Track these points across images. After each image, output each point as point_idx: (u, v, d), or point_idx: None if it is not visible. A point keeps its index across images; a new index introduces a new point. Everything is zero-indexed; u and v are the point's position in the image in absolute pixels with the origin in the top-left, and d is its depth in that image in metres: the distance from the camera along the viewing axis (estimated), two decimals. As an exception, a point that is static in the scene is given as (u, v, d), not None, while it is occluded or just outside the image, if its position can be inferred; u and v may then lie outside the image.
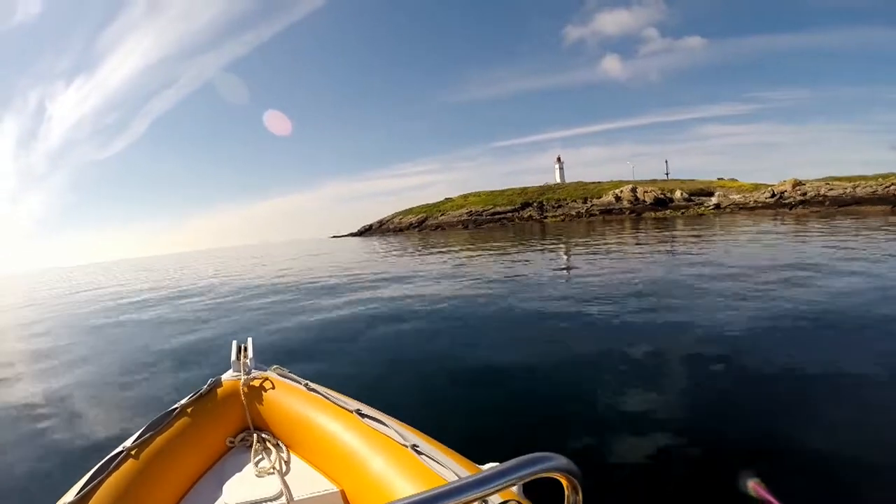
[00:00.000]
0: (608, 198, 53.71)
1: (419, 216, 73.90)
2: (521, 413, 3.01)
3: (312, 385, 1.73)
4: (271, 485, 1.45)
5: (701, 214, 43.28)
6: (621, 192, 53.00)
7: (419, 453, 1.24)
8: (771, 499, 1.29)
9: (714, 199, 49.06)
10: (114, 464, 1.33)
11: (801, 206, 36.08)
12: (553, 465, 0.60)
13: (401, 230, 71.06)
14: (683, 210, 48.98)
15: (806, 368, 3.43)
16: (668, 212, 48.72)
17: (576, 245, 18.64)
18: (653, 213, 48.33)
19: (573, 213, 54.59)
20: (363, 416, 1.48)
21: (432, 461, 1.20)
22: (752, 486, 1.36)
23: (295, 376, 1.83)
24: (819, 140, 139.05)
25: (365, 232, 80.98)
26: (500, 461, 1.05)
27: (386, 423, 1.42)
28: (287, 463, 1.58)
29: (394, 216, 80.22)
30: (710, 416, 2.88)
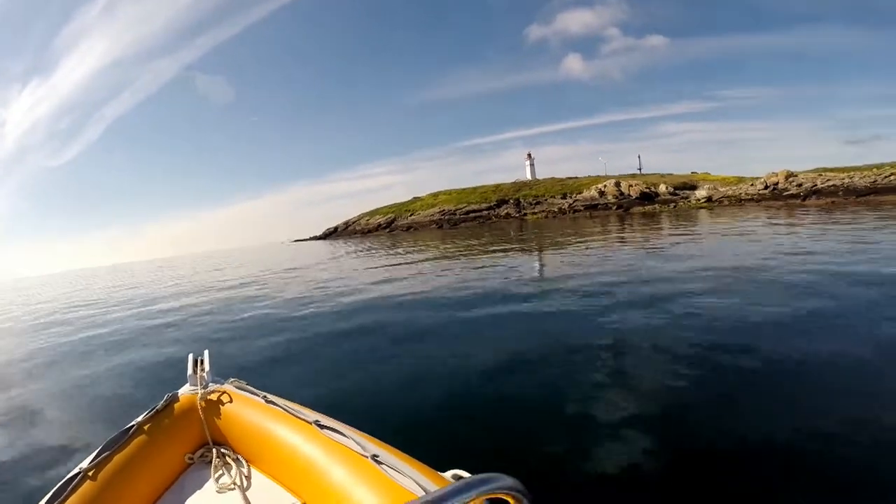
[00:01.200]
0: (591, 193, 50.08)
1: (387, 217, 68.51)
2: (490, 419, 2.86)
3: (271, 397, 1.69)
4: (232, 501, 1.45)
5: (696, 208, 39.85)
6: (604, 186, 49.47)
7: (379, 463, 1.24)
8: None
9: (703, 192, 46.10)
10: (70, 486, 1.30)
11: (814, 197, 33.11)
12: (500, 486, 0.64)
13: (368, 232, 65.43)
14: (672, 204, 45.84)
15: None
16: (655, 206, 45.45)
17: (577, 244, 14.72)
18: (641, 208, 44.91)
19: (555, 209, 50.65)
20: (322, 427, 1.46)
21: (393, 471, 1.20)
22: None
23: (253, 389, 1.77)
24: (779, 137, 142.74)
25: (330, 235, 74.83)
26: (462, 469, 1.16)
27: (345, 433, 1.41)
28: (248, 478, 1.56)
29: (360, 217, 74.47)
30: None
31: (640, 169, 66.61)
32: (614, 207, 45.63)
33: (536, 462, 2.27)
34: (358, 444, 1.33)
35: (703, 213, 30.03)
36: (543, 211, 51.84)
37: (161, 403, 1.68)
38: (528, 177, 69.11)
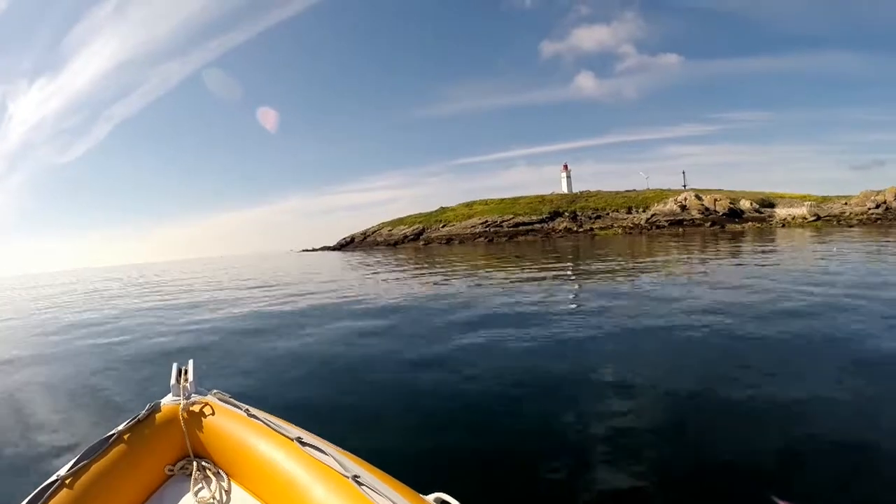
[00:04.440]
0: (668, 206, 44.81)
1: (414, 227, 61.52)
2: (488, 438, 2.60)
3: (253, 411, 1.61)
4: None
5: (798, 227, 34.70)
6: (685, 199, 44.31)
7: (360, 484, 1.22)
8: None
9: (802, 210, 41.47)
10: (46, 494, 1.26)
11: None
12: None
13: (395, 244, 58.15)
14: (762, 222, 41.07)
15: None
16: (747, 224, 40.57)
17: None
18: (738, 226, 39.86)
19: (628, 224, 45.04)
20: (304, 444, 1.42)
21: (373, 492, 1.18)
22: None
23: (236, 401, 1.67)
24: (780, 161, 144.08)
25: (345, 246, 67.05)
26: (446, 493, 1.21)
27: (326, 451, 1.38)
28: (227, 492, 1.50)
29: (381, 227, 67.10)
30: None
31: (685, 185, 62.28)
32: (707, 224, 40.35)
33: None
34: (339, 463, 1.31)
35: (830, 235, 24.46)
36: (612, 226, 46.24)
37: (143, 413, 1.61)
38: (565, 190, 63.85)
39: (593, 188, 59.73)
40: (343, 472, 1.26)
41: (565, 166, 66.20)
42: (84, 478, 1.34)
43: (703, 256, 14.19)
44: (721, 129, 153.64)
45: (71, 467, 1.36)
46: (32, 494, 1.25)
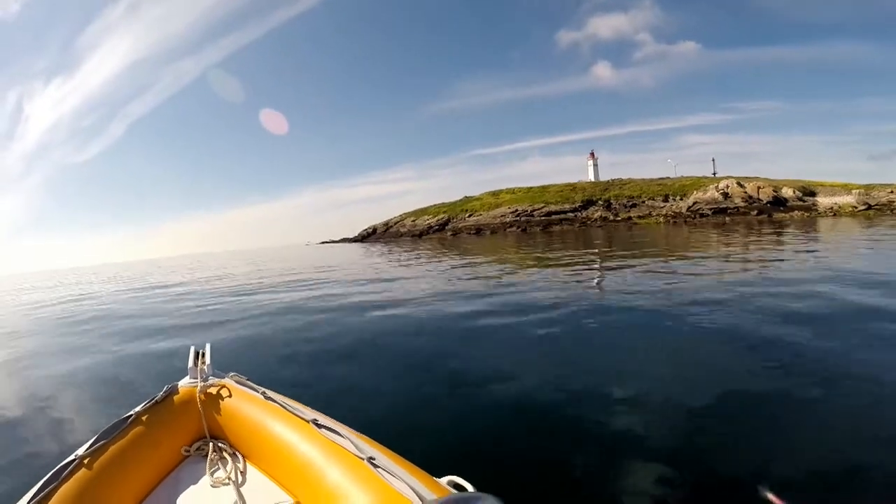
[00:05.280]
0: (709, 194, 43.86)
1: (439, 217, 60.49)
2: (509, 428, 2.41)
3: (269, 393, 1.64)
4: (226, 495, 1.42)
5: (849, 216, 33.73)
6: (727, 187, 43.36)
7: (375, 466, 1.23)
8: None
9: (849, 199, 40.60)
10: (66, 472, 1.28)
11: None
12: None
13: (420, 235, 57.22)
14: (807, 211, 40.20)
15: None
16: (794, 213, 39.70)
17: None
18: (785, 214, 39.00)
19: (667, 213, 44.14)
20: (319, 426, 1.43)
21: (388, 474, 1.19)
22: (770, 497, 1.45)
23: (252, 384, 1.71)
24: (795, 150, 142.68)
25: (367, 237, 66.10)
26: (458, 475, 1.23)
27: (342, 433, 1.39)
28: (243, 473, 1.52)
29: (403, 217, 66.07)
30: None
31: (714, 173, 61.18)
32: (754, 213, 39.46)
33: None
34: (354, 445, 1.31)
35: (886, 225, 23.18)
36: (650, 214, 45.33)
37: (160, 394, 1.64)
38: (591, 178, 62.73)
39: (614, 177, 58.72)
40: (358, 454, 1.27)
41: (592, 154, 64.96)
42: (102, 457, 1.36)
43: (798, 247, 11.30)
44: (737, 118, 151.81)
45: (89, 447, 1.37)
46: (51, 473, 1.26)
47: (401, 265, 14.41)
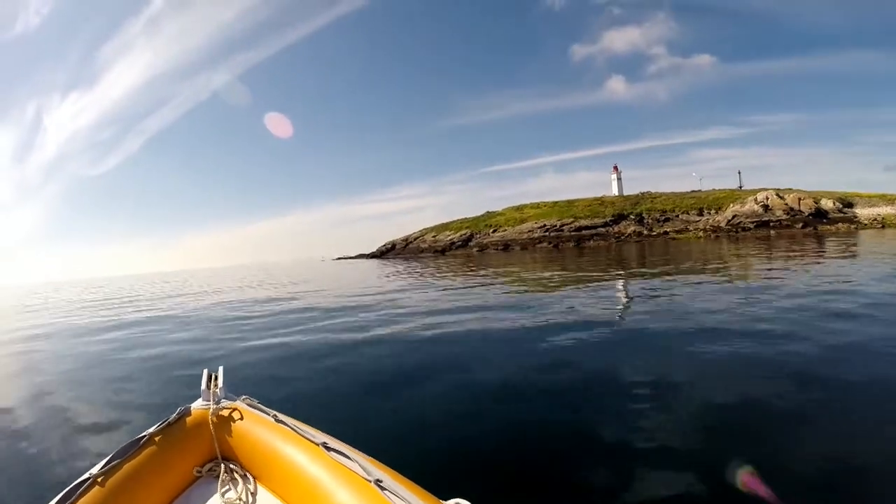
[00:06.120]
0: (749, 206, 42.89)
1: (461, 233, 59.41)
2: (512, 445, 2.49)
3: (280, 416, 1.66)
4: None
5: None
6: (766, 198, 42.43)
7: (382, 488, 1.25)
8: (762, 489, 1.32)
9: (891, 210, 39.61)
10: (79, 491, 1.31)
11: None
12: None
13: (441, 251, 56.03)
14: (850, 223, 39.21)
15: None
16: (838, 226, 38.71)
17: None
18: (831, 227, 37.97)
19: (706, 227, 43.09)
20: (329, 449, 1.45)
21: (395, 496, 1.22)
22: (744, 477, 1.41)
23: (264, 407, 1.74)
24: (810, 162, 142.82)
25: (386, 253, 64.85)
26: (464, 498, 1.18)
27: (351, 456, 1.41)
28: (254, 494, 1.54)
29: (423, 233, 64.92)
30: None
31: (741, 186, 60.38)
32: (799, 226, 38.43)
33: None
34: (363, 467, 1.33)
35: None
36: (687, 229, 44.29)
37: (173, 416, 1.67)
38: (616, 192, 61.94)
39: (635, 191, 57.82)
40: (366, 476, 1.29)
41: (615, 168, 64.24)
42: (115, 477, 1.38)
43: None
44: (751, 131, 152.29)
45: (103, 466, 1.40)
46: (64, 491, 1.28)
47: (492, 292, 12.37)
